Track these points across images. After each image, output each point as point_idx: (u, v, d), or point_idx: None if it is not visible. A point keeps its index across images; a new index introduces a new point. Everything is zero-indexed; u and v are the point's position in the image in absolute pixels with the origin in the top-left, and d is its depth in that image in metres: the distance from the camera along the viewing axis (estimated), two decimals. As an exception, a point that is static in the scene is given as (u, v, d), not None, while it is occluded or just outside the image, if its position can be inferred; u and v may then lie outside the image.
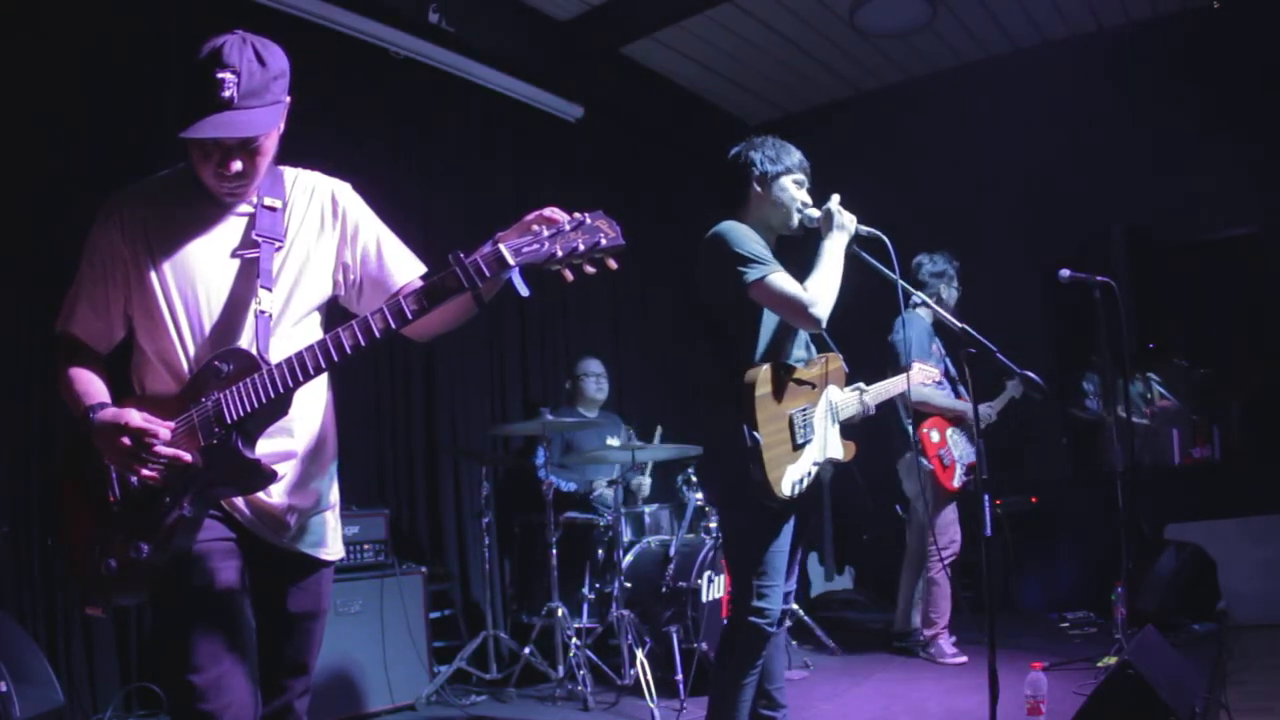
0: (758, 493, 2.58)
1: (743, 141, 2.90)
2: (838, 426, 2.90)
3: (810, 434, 2.72)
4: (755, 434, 2.55)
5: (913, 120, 6.37)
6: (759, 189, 2.83)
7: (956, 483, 4.54)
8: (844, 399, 2.91)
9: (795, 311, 2.64)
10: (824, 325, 2.67)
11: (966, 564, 4.81)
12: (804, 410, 2.72)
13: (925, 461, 4.48)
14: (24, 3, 3.63)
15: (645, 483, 5.14)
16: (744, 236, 2.70)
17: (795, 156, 2.86)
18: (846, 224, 2.75)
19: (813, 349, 2.92)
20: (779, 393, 2.66)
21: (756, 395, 2.59)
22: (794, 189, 2.83)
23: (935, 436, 4.55)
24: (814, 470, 2.74)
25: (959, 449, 4.59)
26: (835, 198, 2.80)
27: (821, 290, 2.64)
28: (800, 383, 2.74)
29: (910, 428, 4.46)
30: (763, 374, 2.63)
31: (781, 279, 2.64)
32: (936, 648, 4.52)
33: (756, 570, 2.67)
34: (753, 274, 2.64)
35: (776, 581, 2.69)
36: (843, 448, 2.92)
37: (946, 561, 4.51)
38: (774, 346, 2.75)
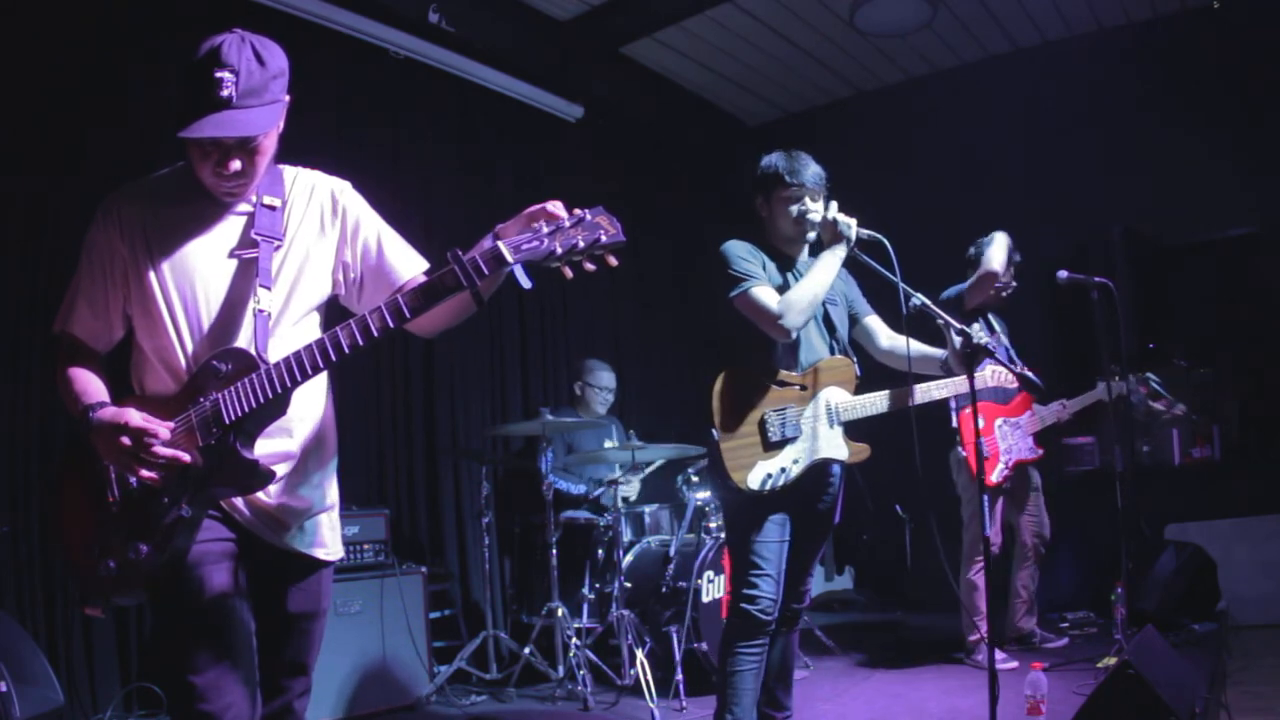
0: (725, 485, 2.80)
1: (763, 154, 3.01)
2: (840, 428, 2.93)
3: (790, 433, 2.82)
4: (714, 431, 2.79)
5: (913, 120, 6.37)
6: (762, 202, 2.99)
7: (995, 477, 4.34)
8: (848, 401, 2.93)
9: (767, 322, 2.79)
10: (793, 335, 2.81)
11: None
12: (781, 411, 2.82)
13: (960, 449, 4.34)
14: (24, 4, 3.63)
15: (635, 485, 5.13)
16: (734, 254, 2.88)
17: (804, 171, 2.91)
18: (846, 231, 2.82)
19: (811, 354, 2.92)
20: (753, 395, 2.83)
21: (716, 395, 2.81)
22: (788, 204, 2.92)
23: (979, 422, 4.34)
24: (792, 469, 2.81)
25: (1006, 442, 4.41)
26: (833, 205, 2.87)
27: (795, 300, 2.77)
28: (785, 385, 2.86)
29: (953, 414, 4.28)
30: (725, 377, 2.83)
31: (759, 292, 2.81)
32: (983, 654, 4.32)
33: (746, 559, 2.83)
34: (735, 289, 2.82)
35: (768, 571, 2.81)
36: (848, 448, 2.95)
37: (980, 563, 4.37)
38: (762, 352, 2.87)
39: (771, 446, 2.80)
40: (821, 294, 2.81)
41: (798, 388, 2.87)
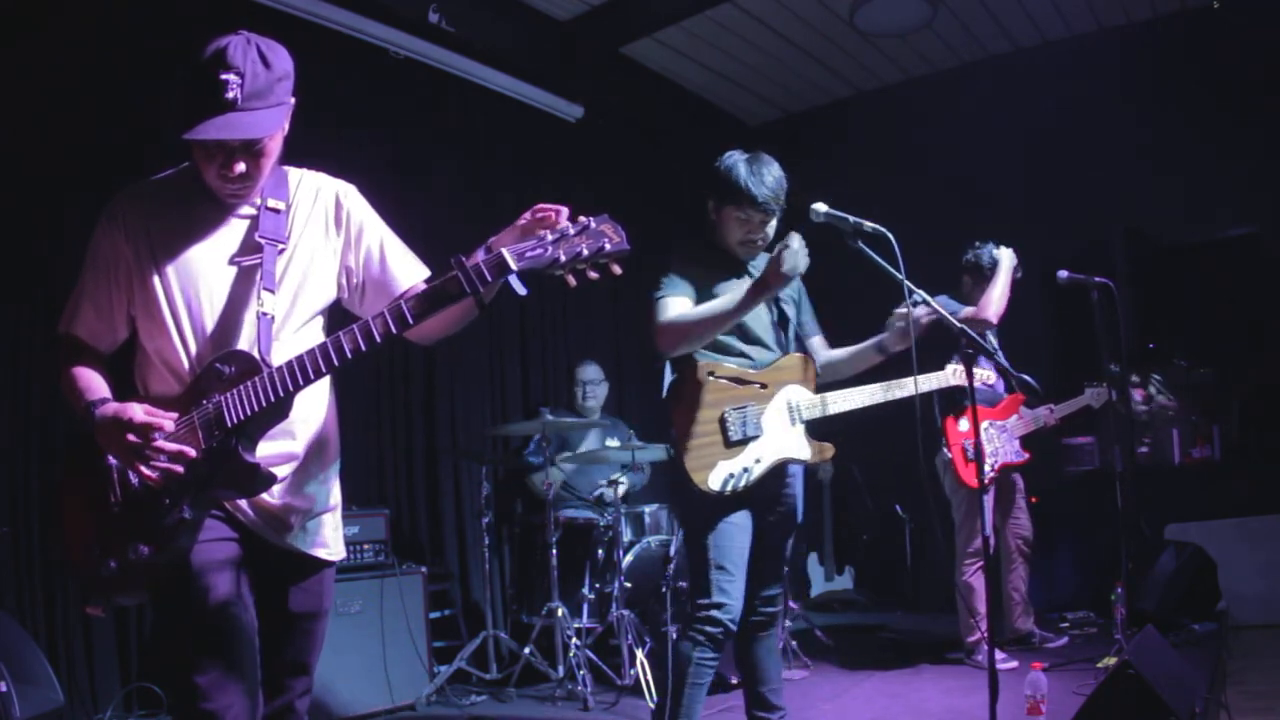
0: (683, 488, 2.69)
1: (726, 154, 2.87)
2: (801, 427, 2.85)
3: (751, 431, 2.73)
4: (672, 431, 2.72)
5: (913, 120, 6.37)
6: (713, 206, 2.88)
7: (980, 480, 4.35)
8: (809, 400, 2.86)
9: (652, 331, 2.75)
10: (665, 355, 2.77)
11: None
12: (741, 409, 2.74)
13: (945, 450, 4.31)
14: (24, 4, 3.62)
15: (624, 484, 5.11)
16: (671, 264, 2.81)
17: (759, 189, 2.76)
18: (791, 274, 2.54)
19: (766, 355, 2.87)
20: (710, 393, 2.74)
21: (672, 394, 2.77)
22: (736, 225, 2.83)
23: (965, 425, 4.24)
24: (755, 468, 2.72)
25: (993, 444, 4.37)
26: (795, 238, 2.55)
27: (683, 321, 2.69)
28: (744, 383, 2.78)
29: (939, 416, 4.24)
30: (681, 375, 2.77)
31: (665, 304, 2.74)
32: (983, 654, 4.23)
33: (709, 564, 2.71)
34: (655, 294, 2.77)
35: (735, 576, 2.71)
36: (810, 448, 2.86)
37: (974, 564, 4.36)
38: (716, 353, 2.80)
39: (733, 445, 2.71)
40: (711, 331, 2.67)
41: (757, 385, 2.79)
